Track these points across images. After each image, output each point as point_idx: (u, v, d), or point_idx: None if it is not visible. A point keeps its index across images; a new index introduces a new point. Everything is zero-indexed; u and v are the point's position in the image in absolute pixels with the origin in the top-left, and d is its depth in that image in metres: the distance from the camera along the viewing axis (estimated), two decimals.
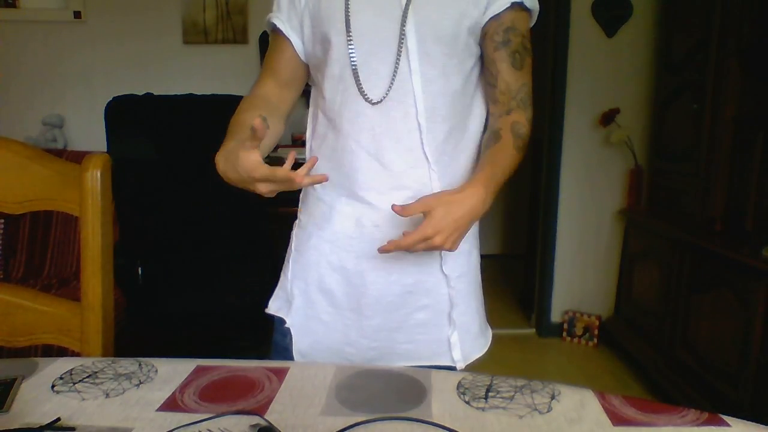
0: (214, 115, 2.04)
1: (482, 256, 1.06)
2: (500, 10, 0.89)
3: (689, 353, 2.21)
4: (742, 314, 1.88)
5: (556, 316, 3.07)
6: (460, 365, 0.98)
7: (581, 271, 3.03)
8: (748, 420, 0.67)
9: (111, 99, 1.96)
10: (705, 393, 2.07)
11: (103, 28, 2.94)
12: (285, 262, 1.05)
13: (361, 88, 0.89)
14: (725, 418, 0.68)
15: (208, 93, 2.11)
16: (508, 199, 4.53)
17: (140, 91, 2.13)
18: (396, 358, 0.96)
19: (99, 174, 0.95)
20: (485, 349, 1.02)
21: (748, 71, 2.07)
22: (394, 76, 0.88)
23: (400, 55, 0.88)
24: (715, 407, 1.94)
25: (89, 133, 2.91)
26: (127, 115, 1.99)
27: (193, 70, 2.99)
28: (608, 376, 2.63)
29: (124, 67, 2.97)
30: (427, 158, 0.91)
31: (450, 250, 0.81)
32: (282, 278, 1.04)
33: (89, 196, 0.94)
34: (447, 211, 0.79)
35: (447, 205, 0.79)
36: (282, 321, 1.01)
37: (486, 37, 0.92)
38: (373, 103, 0.89)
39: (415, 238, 0.78)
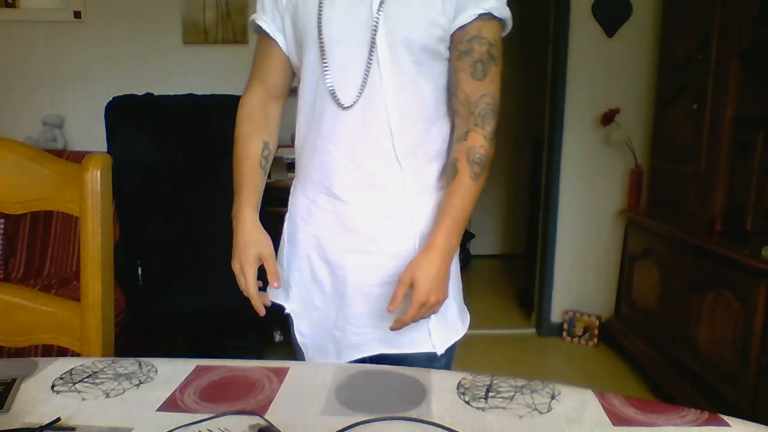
0: (214, 115, 2.05)
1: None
2: (467, 22, 0.89)
3: (689, 353, 2.21)
4: (742, 314, 1.88)
5: (556, 316, 3.07)
6: (440, 350, 1.01)
7: (581, 271, 3.04)
8: (748, 420, 0.67)
9: (111, 99, 1.96)
10: (705, 393, 2.06)
11: (103, 28, 2.94)
12: (279, 252, 1.08)
13: (334, 93, 0.92)
14: (725, 418, 0.68)
15: (208, 93, 2.11)
16: (508, 199, 4.53)
17: (140, 91, 2.13)
18: (379, 345, 1.01)
19: (99, 174, 0.95)
20: (462, 333, 1.06)
21: (748, 71, 2.07)
22: (364, 82, 0.91)
23: (371, 63, 0.90)
24: (715, 407, 1.94)
25: (89, 133, 2.91)
26: (127, 115, 1.98)
27: (193, 70, 2.99)
28: (608, 376, 2.63)
29: (124, 67, 2.97)
30: (398, 161, 0.94)
31: (446, 298, 0.92)
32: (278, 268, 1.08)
33: (89, 196, 0.94)
34: (425, 274, 0.87)
35: (422, 270, 0.88)
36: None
37: (451, 45, 0.93)
38: (345, 108, 0.92)
39: (415, 309, 0.87)
